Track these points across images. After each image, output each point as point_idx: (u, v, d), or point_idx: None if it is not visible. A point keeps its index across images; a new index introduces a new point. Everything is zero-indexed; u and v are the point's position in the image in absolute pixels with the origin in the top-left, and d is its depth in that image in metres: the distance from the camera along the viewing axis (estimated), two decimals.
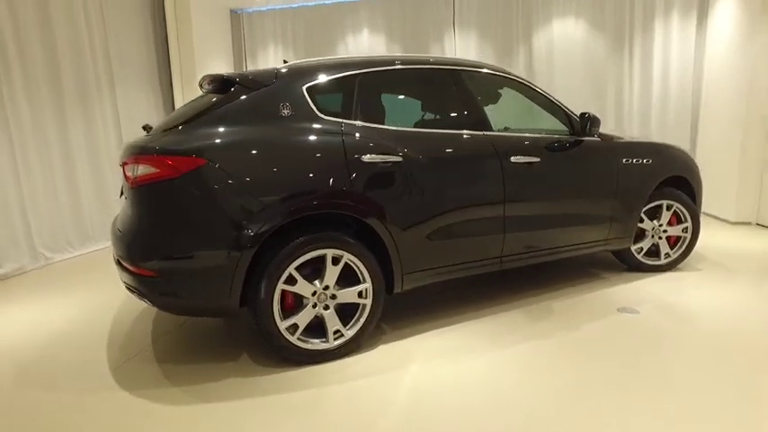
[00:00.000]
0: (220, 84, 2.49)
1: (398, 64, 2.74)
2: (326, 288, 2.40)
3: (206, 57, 6.19)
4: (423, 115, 2.95)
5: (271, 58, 6.89)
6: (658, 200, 3.55)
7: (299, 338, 2.37)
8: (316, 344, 2.42)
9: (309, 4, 6.67)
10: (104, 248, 4.75)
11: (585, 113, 3.17)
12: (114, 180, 4.80)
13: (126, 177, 2.29)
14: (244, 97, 2.38)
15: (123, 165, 2.33)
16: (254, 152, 2.25)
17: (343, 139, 2.40)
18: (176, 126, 2.33)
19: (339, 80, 2.56)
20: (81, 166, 4.63)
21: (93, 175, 4.74)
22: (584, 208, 3.21)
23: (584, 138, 3.22)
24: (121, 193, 2.59)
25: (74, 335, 2.90)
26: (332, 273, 2.39)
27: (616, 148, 3.32)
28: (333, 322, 2.43)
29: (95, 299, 3.45)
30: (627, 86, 6.16)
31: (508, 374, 2.30)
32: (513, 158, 2.85)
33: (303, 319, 2.36)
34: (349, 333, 2.47)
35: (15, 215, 4.00)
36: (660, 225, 3.62)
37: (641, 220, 3.56)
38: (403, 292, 2.64)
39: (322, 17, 6.70)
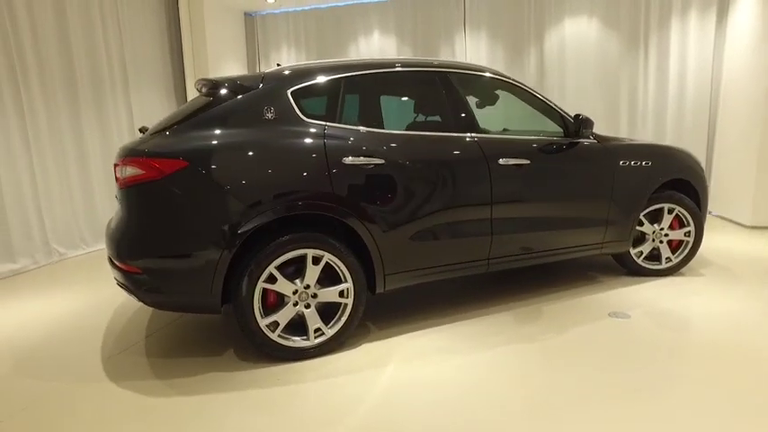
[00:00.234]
0: (211, 87, 2.57)
1: (384, 67, 2.77)
2: (307, 287, 2.45)
3: (219, 59, 6.35)
4: (408, 118, 2.97)
5: (284, 60, 7.01)
6: (659, 203, 3.48)
7: (279, 336, 2.43)
8: (297, 341, 2.48)
9: (322, 6, 6.76)
10: None
11: (578, 115, 3.13)
12: None
13: (116, 178, 2.39)
14: (230, 101, 2.45)
15: (115, 166, 2.43)
16: (235, 155, 2.32)
17: (325, 141, 2.45)
18: (165, 129, 2.42)
19: (324, 84, 2.61)
20: (95, 166, 4.83)
21: (106, 176, 4.93)
22: (577, 210, 3.17)
23: (579, 140, 3.19)
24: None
25: (75, 327, 3.04)
26: (312, 272, 2.44)
27: (612, 151, 3.27)
28: (314, 321, 2.48)
29: (101, 293, 3.60)
30: (641, 86, 6.02)
31: (484, 376, 2.30)
32: (501, 161, 2.85)
33: (284, 316, 2.42)
34: (330, 332, 2.52)
35: (31, 213, 4.20)
36: (661, 229, 3.54)
37: (641, 224, 3.49)
38: (392, 292, 2.67)
39: (334, 19, 6.78)
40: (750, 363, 2.36)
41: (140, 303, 2.40)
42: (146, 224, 2.31)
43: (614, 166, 3.25)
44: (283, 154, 2.39)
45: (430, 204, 2.67)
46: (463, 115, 2.88)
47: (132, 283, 2.33)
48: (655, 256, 3.60)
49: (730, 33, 5.53)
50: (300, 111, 2.49)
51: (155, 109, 5.60)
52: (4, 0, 4.01)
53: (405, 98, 3.01)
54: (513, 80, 3.14)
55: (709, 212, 5.91)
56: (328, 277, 2.52)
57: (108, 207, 4.97)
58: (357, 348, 2.62)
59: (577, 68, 6.13)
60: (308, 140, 2.43)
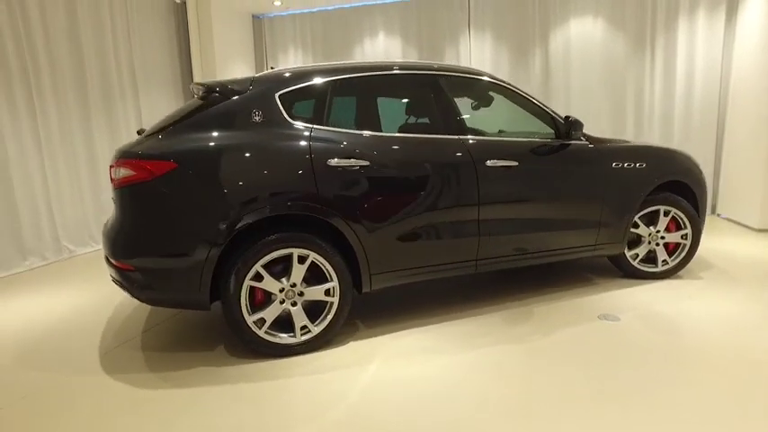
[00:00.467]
0: (204, 91, 2.66)
1: (372, 70, 2.82)
2: (294, 285, 2.52)
3: (227, 62, 6.48)
4: (397, 120, 3.01)
5: (291, 62, 7.11)
6: (654, 205, 3.46)
7: (266, 332, 2.51)
8: (284, 338, 2.54)
9: (328, 8, 6.83)
10: None
11: (568, 117, 3.14)
12: None
13: (111, 179, 2.49)
14: (220, 104, 2.53)
15: (111, 168, 2.54)
16: (222, 157, 2.40)
17: (311, 144, 2.51)
18: (158, 131, 2.51)
19: (312, 87, 2.67)
20: (104, 167, 4.98)
21: None
22: (568, 212, 3.17)
23: (570, 141, 3.19)
24: None
25: (77, 321, 3.16)
26: (298, 271, 2.51)
27: (604, 152, 3.26)
28: (300, 318, 2.54)
29: (104, 289, 3.73)
30: (648, 86, 5.96)
31: (466, 375, 2.34)
32: (488, 162, 2.87)
33: (270, 314, 2.49)
34: (316, 329, 2.58)
35: (42, 212, 4.37)
36: (657, 231, 3.52)
37: (636, 226, 3.48)
38: (382, 292, 2.71)
39: (340, 21, 6.85)
40: (737, 366, 2.34)
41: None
42: (138, 224, 2.40)
43: (606, 167, 3.24)
44: (269, 156, 2.46)
45: (416, 206, 2.71)
46: (451, 118, 2.92)
47: (126, 280, 2.43)
48: (651, 258, 3.58)
49: (740, 32, 5.44)
50: (288, 113, 2.56)
51: (163, 112, 5.71)
52: (19, 5, 4.17)
53: (393, 101, 3.05)
54: (503, 82, 3.16)
55: (717, 215, 5.83)
56: (315, 276, 2.58)
57: None
58: (344, 346, 2.68)
59: (583, 69, 6.09)
60: (293, 143, 2.50)
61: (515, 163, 2.95)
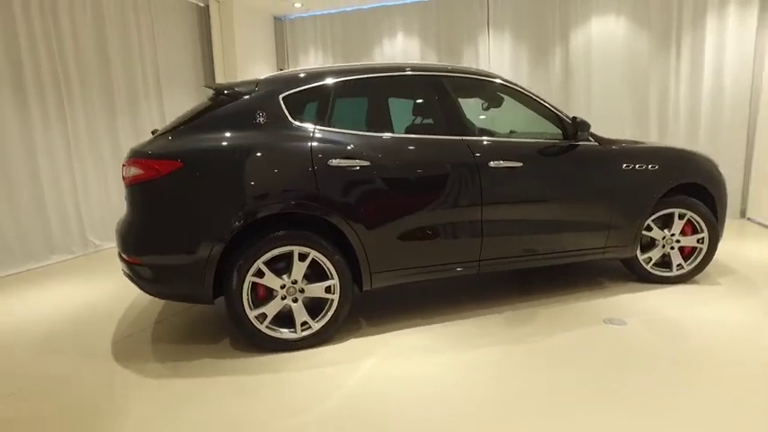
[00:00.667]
0: (214, 93, 2.76)
1: (375, 72, 2.85)
2: (295, 282, 2.58)
3: (249, 64, 6.63)
4: (399, 121, 3.03)
5: (311, 63, 7.22)
6: (669, 208, 3.37)
7: (268, 327, 2.58)
8: (284, 333, 2.61)
9: (348, 9, 6.91)
10: None
11: (575, 117, 3.09)
12: None
13: (123, 177, 2.61)
14: (226, 106, 2.62)
15: (123, 167, 2.66)
16: (224, 157, 2.48)
17: (312, 144, 2.57)
18: (168, 132, 2.62)
19: (315, 89, 2.72)
20: None
21: None
22: (575, 214, 3.13)
23: (578, 142, 3.14)
24: None
25: (96, 310, 3.32)
26: (299, 268, 2.57)
27: (615, 153, 3.20)
28: (300, 314, 2.60)
29: (124, 281, 3.84)
30: (672, 85, 5.79)
31: (462, 375, 2.34)
32: (492, 163, 2.86)
33: (271, 309, 2.56)
34: (317, 325, 2.64)
35: (70, 209, 4.60)
36: (672, 234, 3.42)
37: (649, 229, 3.39)
38: (388, 290, 2.72)
39: (359, 22, 6.91)
40: (741, 375, 2.27)
41: None
42: (145, 221, 2.51)
43: (616, 169, 3.18)
44: (270, 156, 2.52)
45: (417, 206, 2.73)
46: (454, 119, 2.92)
47: (135, 274, 2.55)
48: (666, 262, 3.49)
49: None
50: (291, 115, 2.62)
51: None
52: (51, 14, 4.39)
53: (397, 102, 3.07)
54: (510, 82, 3.14)
55: (748, 218, 5.60)
56: (317, 274, 2.64)
57: None
58: (345, 343, 2.73)
59: (604, 68, 5.96)
60: (295, 143, 2.56)
61: (519, 164, 2.93)
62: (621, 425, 1.93)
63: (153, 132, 3.04)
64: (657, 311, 3.02)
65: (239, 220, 2.44)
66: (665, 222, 3.43)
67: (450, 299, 3.31)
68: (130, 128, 5.22)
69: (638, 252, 3.42)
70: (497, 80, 3.12)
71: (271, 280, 2.54)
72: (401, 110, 3.04)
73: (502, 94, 3.23)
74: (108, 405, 2.19)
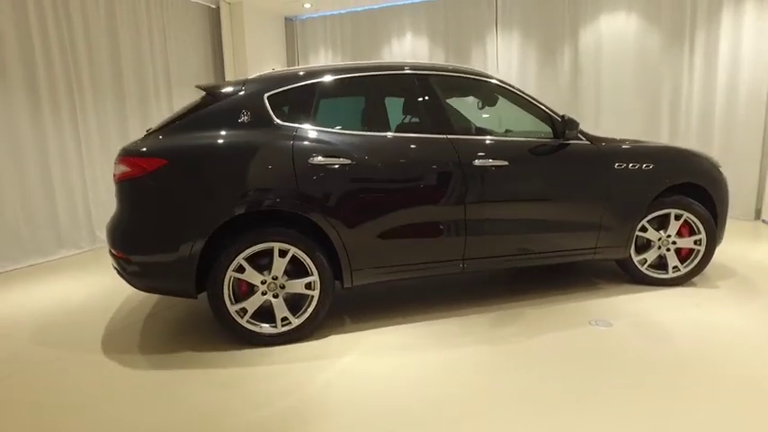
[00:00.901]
0: (204, 92, 2.83)
1: (359, 71, 2.88)
2: (275, 278, 2.63)
3: (260, 64, 6.74)
4: (382, 120, 3.04)
5: (321, 62, 7.29)
6: (664, 208, 3.29)
7: (248, 321, 2.63)
8: (265, 328, 2.66)
9: (357, 8, 6.95)
10: None
11: (563, 116, 3.05)
12: None
13: (113, 175, 2.71)
14: (214, 105, 2.69)
15: (114, 164, 2.75)
16: (207, 155, 2.55)
17: (294, 143, 2.61)
18: (158, 130, 2.70)
19: (299, 88, 2.76)
20: None
21: None
22: (564, 214, 3.09)
23: (568, 141, 3.10)
24: None
25: (96, 303, 3.45)
26: (279, 264, 2.61)
27: (606, 152, 3.14)
28: (281, 310, 2.65)
29: None
30: (685, 83, 5.63)
31: (434, 373, 2.35)
32: (476, 162, 2.86)
33: (251, 304, 2.61)
34: (297, 321, 2.68)
35: (79, 205, 4.77)
36: (668, 236, 3.34)
37: (644, 230, 3.32)
38: (376, 288, 2.74)
39: (368, 21, 6.95)
40: (721, 381, 2.21)
41: None
42: (131, 217, 2.60)
43: (608, 168, 3.12)
44: (252, 154, 2.57)
45: (398, 203, 2.75)
46: (439, 117, 2.92)
47: (122, 268, 2.64)
48: (663, 264, 3.41)
49: None
50: (275, 114, 2.67)
51: None
52: (64, 16, 4.57)
53: (378, 101, 3.08)
54: (498, 80, 3.12)
55: (762, 220, 5.40)
56: (299, 271, 2.68)
57: None
58: (325, 339, 2.76)
59: (614, 67, 5.84)
60: (277, 142, 2.60)
61: (505, 163, 2.91)
62: (576, 426, 1.91)
63: (147, 131, 3.14)
64: (647, 314, 2.96)
65: (220, 216, 2.50)
66: (662, 223, 3.35)
67: (438, 298, 3.31)
68: (140, 128, 5.36)
69: (633, 253, 3.35)
70: (485, 78, 3.11)
71: (251, 275, 2.59)
72: (388, 108, 3.05)
73: (491, 93, 3.21)
74: (82, 393, 2.29)
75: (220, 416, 2.07)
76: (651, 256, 3.38)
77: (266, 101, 2.69)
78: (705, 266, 3.38)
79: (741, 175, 5.37)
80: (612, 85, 5.87)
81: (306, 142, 2.64)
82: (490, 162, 2.88)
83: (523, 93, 3.15)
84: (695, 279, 3.44)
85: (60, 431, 2.02)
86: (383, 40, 6.94)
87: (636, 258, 3.37)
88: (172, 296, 2.98)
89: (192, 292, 2.59)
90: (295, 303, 2.70)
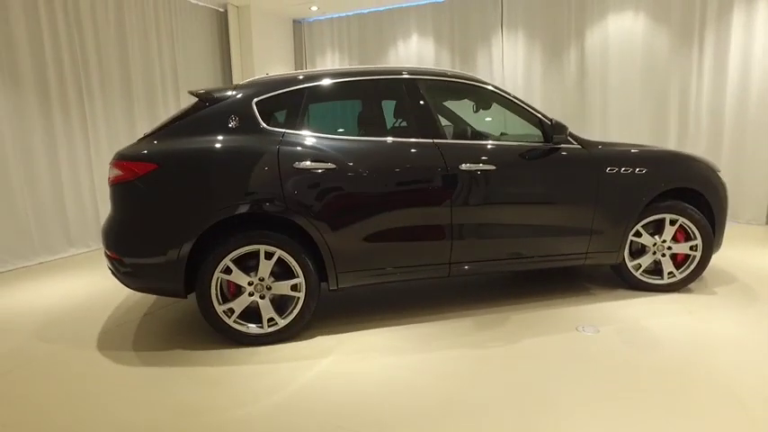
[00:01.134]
0: (196, 97, 2.91)
1: (346, 76, 2.92)
2: (262, 280, 2.69)
3: (267, 66, 6.84)
4: (369, 124, 3.07)
5: (328, 65, 7.36)
6: (659, 213, 3.25)
7: (235, 321, 2.70)
8: (251, 328, 2.72)
9: (363, 11, 7.00)
10: None
11: (552, 120, 3.04)
12: None
13: (108, 178, 2.81)
14: (204, 110, 2.76)
15: (109, 168, 2.85)
16: (195, 159, 2.62)
17: (279, 147, 2.67)
18: (152, 134, 2.79)
19: (288, 93, 2.82)
20: None
21: None
22: (553, 218, 3.08)
23: (558, 145, 3.09)
24: None
25: (98, 300, 3.57)
26: (265, 266, 2.67)
27: (597, 156, 3.12)
28: (267, 311, 2.71)
29: None
30: (694, 85, 5.51)
31: (410, 375, 2.38)
32: (463, 166, 2.87)
33: (238, 305, 2.68)
34: (283, 322, 2.74)
35: (88, 206, 4.94)
36: (663, 241, 3.30)
37: (639, 235, 3.29)
38: (367, 291, 2.77)
39: (375, 23, 6.99)
40: (703, 390, 2.19)
41: None
42: (124, 218, 2.68)
43: (599, 172, 3.10)
44: (238, 159, 2.64)
45: (383, 207, 2.78)
46: (426, 121, 2.94)
47: (116, 269, 2.73)
48: (658, 270, 3.36)
49: None
50: (262, 119, 2.73)
51: None
52: (75, 20, 4.73)
53: (366, 106, 3.11)
54: (487, 84, 3.12)
55: None
56: (286, 272, 2.73)
57: None
58: (310, 340, 2.81)
59: (622, 67, 5.76)
60: (263, 147, 2.66)
61: (493, 167, 2.92)
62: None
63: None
64: (636, 320, 2.93)
65: (207, 219, 2.57)
66: (659, 228, 3.31)
67: (425, 301, 3.33)
68: (149, 126, 5.51)
69: (627, 258, 3.32)
70: (473, 82, 3.12)
71: (238, 277, 2.66)
72: (371, 113, 3.08)
73: (478, 96, 3.22)
74: (72, 388, 2.38)
75: (207, 412, 2.13)
76: (646, 261, 3.34)
77: (254, 106, 2.75)
78: (701, 272, 3.33)
79: (752, 177, 5.25)
80: (620, 86, 5.79)
81: (292, 147, 2.69)
82: (477, 167, 2.89)
83: (516, 98, 3.15)
84: (692, 285, 3.39)
85: (48, 425, 2.11)
86: (389, 43, 6.98)
87: (630, 264, 3.34)
88: (162, 296, 3.07)
89: (182, 292, 2.67)
90: (282, 304, 2.76)
